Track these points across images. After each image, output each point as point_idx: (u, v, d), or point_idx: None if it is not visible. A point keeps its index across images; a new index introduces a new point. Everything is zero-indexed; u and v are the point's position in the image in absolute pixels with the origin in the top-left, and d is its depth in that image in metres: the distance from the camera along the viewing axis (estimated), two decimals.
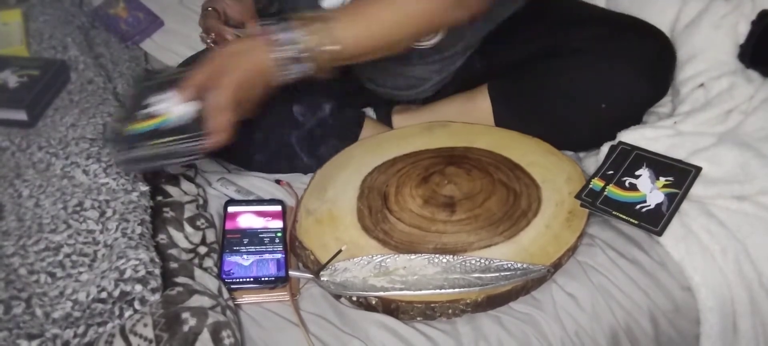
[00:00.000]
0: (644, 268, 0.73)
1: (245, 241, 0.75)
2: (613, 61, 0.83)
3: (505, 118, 0.90)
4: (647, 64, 0.85)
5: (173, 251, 0.70)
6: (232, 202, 0.81)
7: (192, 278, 0.67)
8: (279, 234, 0.76)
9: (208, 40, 0.86)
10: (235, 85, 0.69)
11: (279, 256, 0.73)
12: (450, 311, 0.68)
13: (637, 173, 0.78)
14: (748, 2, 0.89)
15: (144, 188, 0.74)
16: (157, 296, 0.63)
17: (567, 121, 0.87)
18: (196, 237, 0.74)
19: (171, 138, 0.69)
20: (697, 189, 0.76)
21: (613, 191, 0.77)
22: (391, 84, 0.94)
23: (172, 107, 0.71)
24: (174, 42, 1.13)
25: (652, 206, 0.75)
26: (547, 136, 0.87)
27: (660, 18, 0.95)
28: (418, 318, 0.68)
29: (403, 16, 0.73)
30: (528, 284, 0.69)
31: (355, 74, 0.95)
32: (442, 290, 0.67)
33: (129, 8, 1.15)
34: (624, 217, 0.74)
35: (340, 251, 0.72)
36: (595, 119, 0.85)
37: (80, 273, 0.66)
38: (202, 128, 0.68)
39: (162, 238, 0.72)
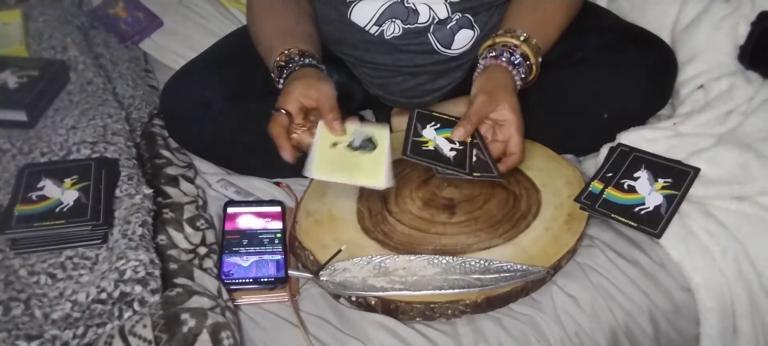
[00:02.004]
0: (644, 269, 0.73)
1: (245, 242, 0.75)
2: (617, 72, 0.83)
3: None
4: (650, 75, 0.85)
5: (173, 252, 0.70)
6: (231, 203, 0.81)
7: (191, 279, 0.67)
8: (278, 235, 0.76)
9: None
10: None
11: (278, 257, 0.73)
12: (449, 311, 0.68)
13: (635, 175, 0.78)
14: (748, 3, 0.89)
15: (147, 190, 0.74)
16: (156, 297, 0.63)
17: (569, 128, 0.87)
18: (196, 238, 0.74)
19: (61, 221, 0.70)
20: (696, 190, 0.76)
21: (611, 193, 0.77)
22: (400, 93, 0.95)
23: (64, 192, 0.72)
24: (173, 42, 1.13)
25: (651, 208, 0.75)
26: (548, 141, 0.87)
27: (660, 19, 0.95)
28: (418, 319, 0.68)
29: None
30: (528, 285, 0.69)
31: (358, 80, 0.96)
32: (442, 291, 0.67)
33: (128, 8, 1.15)
34: (623, 220, 0.74)
35: (339, 251, 0.72)
36: (596, 127, 0.86)
37: (81, 275, 0.67)
38: (90, 214, 0.70)
39: (161, 239, 0.72)
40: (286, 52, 0.80)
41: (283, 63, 0.80)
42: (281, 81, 0.80)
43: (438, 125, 0.80)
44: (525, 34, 0.81)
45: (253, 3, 0.91)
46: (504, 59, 0.79)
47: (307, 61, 0.80)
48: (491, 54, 0.80)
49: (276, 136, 0.75)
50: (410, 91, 0.94)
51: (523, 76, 0.81)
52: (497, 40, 0.81)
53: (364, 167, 0.73)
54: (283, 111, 0.75)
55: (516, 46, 0.80)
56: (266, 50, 0.84)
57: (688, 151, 0.81)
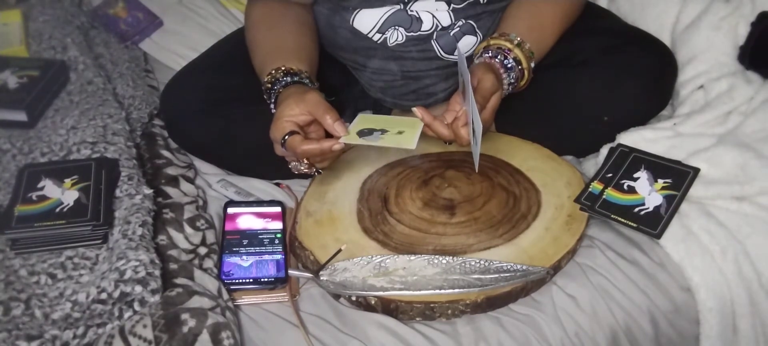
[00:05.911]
0: (644, 269, 0.73)
1: (245, 242, 0.75)
2: (617, 75, 0.83)
3: (505, 124, 0.90)
4: (651, 78, 0.85)
5: (173, 252, 0.70)
6: (231, 203, 0.81)
7: (192, 279, 0.67)
8: (278, 235, 0.76)
9: (303, 168, 0.76)
10: None
11: (278, 257, 0.73)
12: (449, 311, 0.68)
13: (635, 175, 0.78)
14: (748, 4, 0.89)
15: (147, 191, 0.74)
16: (156, 298, 0.63)
17: (568, 130, 0.87)
18: (196, 238, 0.74)
19: (61, 221, 0.70)
20: (696, 190, 0.77)
21: (611, 194, 0.77)
22: (401, 96, 0.95)
23: (64, 192, 0.72)
24: (173, 42, 1.13)
25: (651, 209, 0.75)
26: (548, 142, 0.87)
27: (660, 19, 0.95)
28: (418, 319, 0.68)
29: None
30: (528, 285, 0.69)
31: (359, 84, 0.96)
32: (442, 291, 0.67)
33: (128, 8, 1.15)
34: (623, 220, 0.74)
35: (339, 250, 0.72)
36: (596, 129, 0.86)
37: (81, 275, 0.67)
38: (90, 214, 0.70)
39: (162, 239, 0.72)
40: (273, 71, 0.79)
41: (269, 85, 0.79)
42: (272, 104, 0.79)
43: None
44: (519, 39, 0.81)
45: (251, 12, 0.89)
46: (497, 61, 0.80)
47: (290, 79, 0.78)
48: (486, 54, 0.81)
49: (299, 154, 0.72)
50: (412, 94, 0.94)
51: (512, 81, 0.81)
52: (491, 42, 0.82)
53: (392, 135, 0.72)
54: (281, 141, 0.72)
55: (509, 49, 0.80)
56: (258, 69, 0.83)
57: (688, 152, 0.81)
